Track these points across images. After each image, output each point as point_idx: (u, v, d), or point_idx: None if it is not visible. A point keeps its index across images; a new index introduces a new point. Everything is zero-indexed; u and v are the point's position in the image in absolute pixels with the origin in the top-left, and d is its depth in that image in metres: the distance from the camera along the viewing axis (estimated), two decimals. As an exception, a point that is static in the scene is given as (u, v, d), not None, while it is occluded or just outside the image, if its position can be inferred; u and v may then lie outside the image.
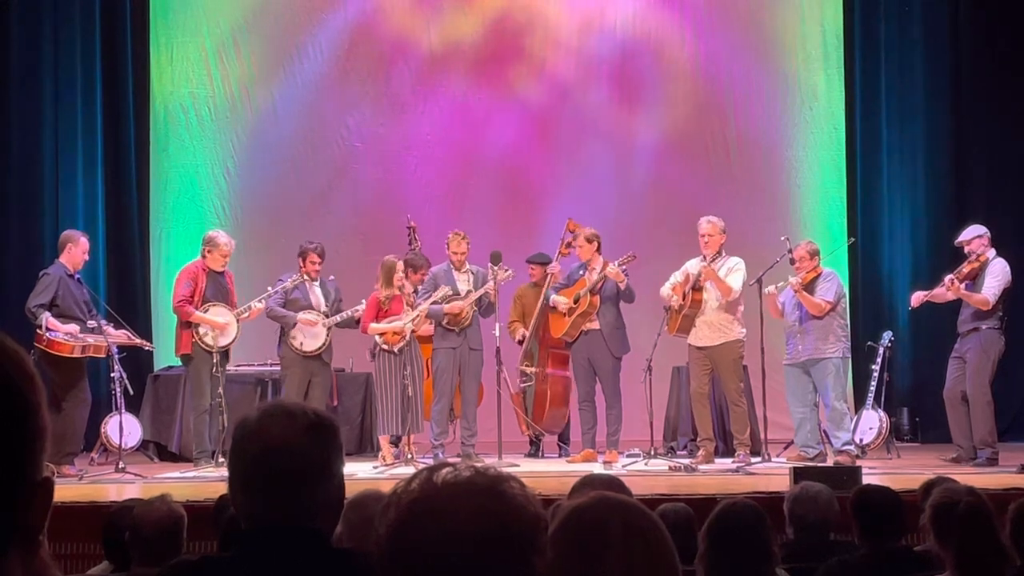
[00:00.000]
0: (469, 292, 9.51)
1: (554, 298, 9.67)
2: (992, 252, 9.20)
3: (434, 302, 9.37)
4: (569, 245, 10.03)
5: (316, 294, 9.60)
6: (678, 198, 11.98)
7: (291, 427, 2.14)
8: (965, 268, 9.14)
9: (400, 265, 9.43)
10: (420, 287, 9.60)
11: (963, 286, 9.08)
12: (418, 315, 9.31)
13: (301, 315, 9.42)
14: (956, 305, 9.36)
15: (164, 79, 12.09)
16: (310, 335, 9.47)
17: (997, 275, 9.08)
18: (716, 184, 11.97)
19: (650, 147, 12.23)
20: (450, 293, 9.45)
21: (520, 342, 10.22)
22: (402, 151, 12.18)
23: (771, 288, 9.46)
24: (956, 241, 9.43)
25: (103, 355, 9.33)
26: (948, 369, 9.33)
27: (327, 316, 9.51)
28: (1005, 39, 11.78)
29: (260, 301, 9.42)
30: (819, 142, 12.19)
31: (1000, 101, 11.73)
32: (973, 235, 9.28)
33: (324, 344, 9.51)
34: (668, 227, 11.59)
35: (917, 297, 9.43)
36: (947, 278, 9.11)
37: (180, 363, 9.68)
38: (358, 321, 9.52)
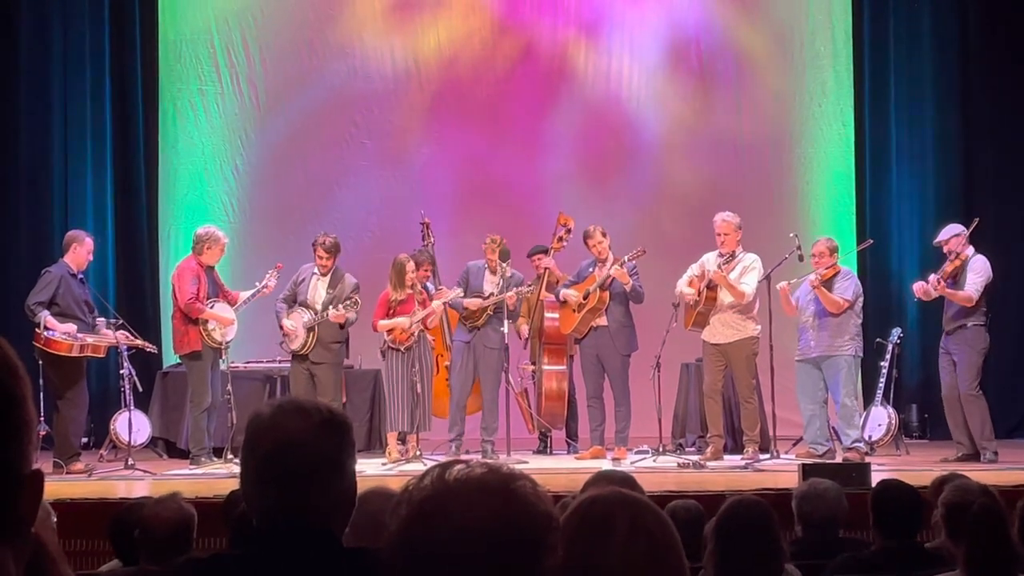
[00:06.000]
0: (491, 295, 9.50)
1: (564, 292, 9.66)
2: (971, 250, 9.19)
3: (446, 302, 9.47)
4: (561, 239, 10.02)
5: (318, 289, 9.42)
6: (686, 195, 11.96)
7: (304, 423, 2.14)
8: (948, 267, 9.13)
9: (411, 265, 9.40)
10: (428, 283, 9.61)
11: (946, 284, 9.09)
12: (428, 313, 9.32)
13: (286, 322, 9.32)
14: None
15: (173, 76, 12.08)
16: (291, 335, 9.35)
17: (979, 271, 9.10)
18: (724, 181, 11.93)
19: (657, 144, 12.21)
20: (461, 295, 9.46)
21: (525, 342, 10.21)
22: (411, 148, 12.18)
23: (784, 284, 9.42)
24: (935, 241, 9.43)
25: (102, 355, 9.29)
26: (941, 369, 9.34)
27: (315, 314, 9.29)
28: (1014, 37, 11.75)
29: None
30: (828, 139, 12.15)
31: (1009, 98, 11.70)
32: (950, 234, 9.27)
33: (305, 344, 9.27)
34: (676, 225, 11.58)
35: (920, 287, 9.36)
36: (932, 277, 9.11)
37: (182, 361, 9.63)
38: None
